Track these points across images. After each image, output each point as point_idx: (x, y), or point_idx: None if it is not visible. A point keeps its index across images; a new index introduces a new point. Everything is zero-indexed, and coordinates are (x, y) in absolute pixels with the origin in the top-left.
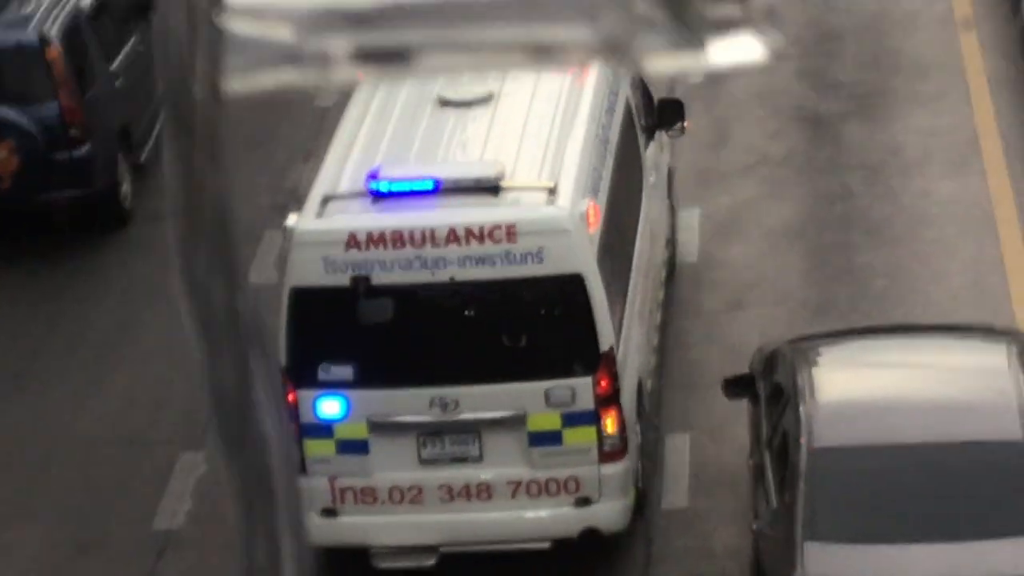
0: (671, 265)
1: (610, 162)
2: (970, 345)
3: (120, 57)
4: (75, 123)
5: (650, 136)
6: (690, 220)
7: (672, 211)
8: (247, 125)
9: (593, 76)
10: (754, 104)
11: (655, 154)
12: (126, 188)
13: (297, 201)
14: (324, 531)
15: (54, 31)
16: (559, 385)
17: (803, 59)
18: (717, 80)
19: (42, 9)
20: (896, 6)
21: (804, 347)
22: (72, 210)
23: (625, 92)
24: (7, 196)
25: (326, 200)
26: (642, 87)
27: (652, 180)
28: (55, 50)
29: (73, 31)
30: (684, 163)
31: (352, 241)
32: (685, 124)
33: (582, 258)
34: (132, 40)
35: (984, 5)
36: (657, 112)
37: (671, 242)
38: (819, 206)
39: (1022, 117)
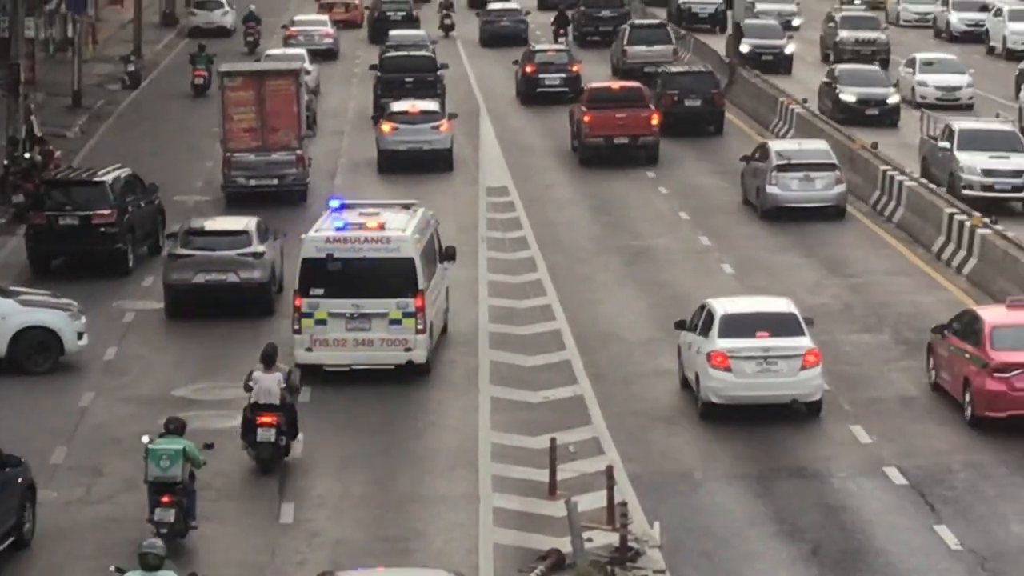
0: (445, 324)
1: (424, 241)
2: None
3: None
4: None
5: (441, 258)
6: None
7: (447, 306)
8: None
9: (419, 214)
10: None
11: (442, 268)
12: None
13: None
14: (307, 357)
15: None
16: (402, 301)
17: None
18: None
19: None
20: None
21: None
22: None
23: (432, 225)
24: None
25: (318, 229)
26: (436, 231)
27: (444, 270)
28: None
29: None
30: None
31: (327, 240)
32: (454, 262)
33: (412, 252)
34: None
35: None
36: (445, 250)
37: (446, 315)
38: None
39: None
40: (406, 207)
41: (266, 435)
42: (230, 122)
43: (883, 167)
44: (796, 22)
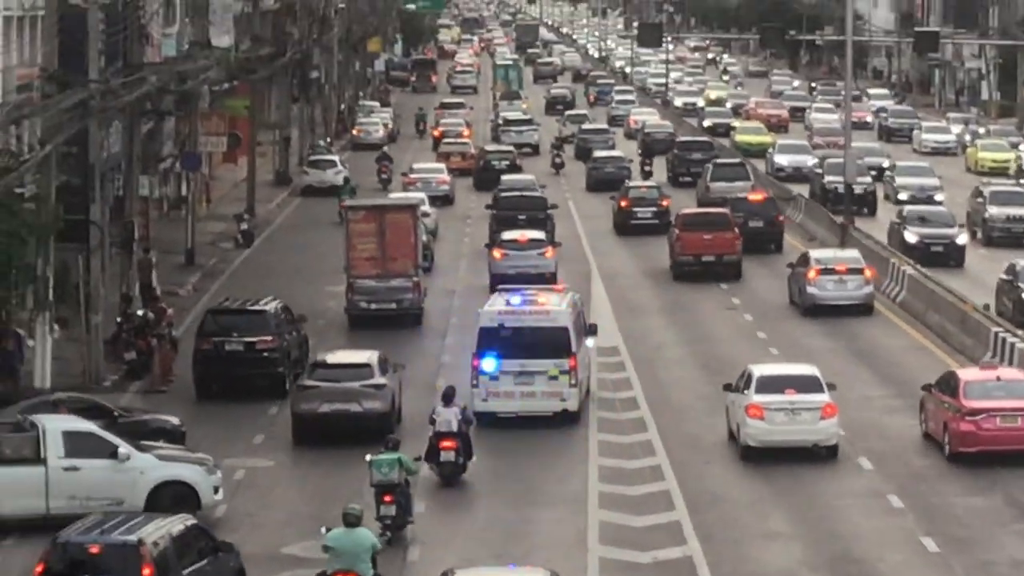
0: (588, 387)
1: (574, 315)
2: None
3: (190, 569)
4: None
5: (586, 333)
6: None
7: (590, 373)
8: None
9: (569, 295)
10: None
11: (589, 342)
12: None
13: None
14: (482, 406)
15: (147, 539)
16: (558, 361)
17: None
18: None
19: (147, 524)
20: None
21: None
22: None
23: (579, 305)
24: None
25: (491, 306)
26: (582, 310)
27: (589, 344)
28: (145, 549)
29: (160, 544)
30: None
31: (498, 312)
32: (596, 336)
33: (567, 322)
34: (204, 562)
35: None
36: (589, 327)
37: (589, 380)
38: None
39: None
40: (559, 290)
41: (447, 456)
42: (353, 251)
43: (995, 329)
44: (939, 197)
